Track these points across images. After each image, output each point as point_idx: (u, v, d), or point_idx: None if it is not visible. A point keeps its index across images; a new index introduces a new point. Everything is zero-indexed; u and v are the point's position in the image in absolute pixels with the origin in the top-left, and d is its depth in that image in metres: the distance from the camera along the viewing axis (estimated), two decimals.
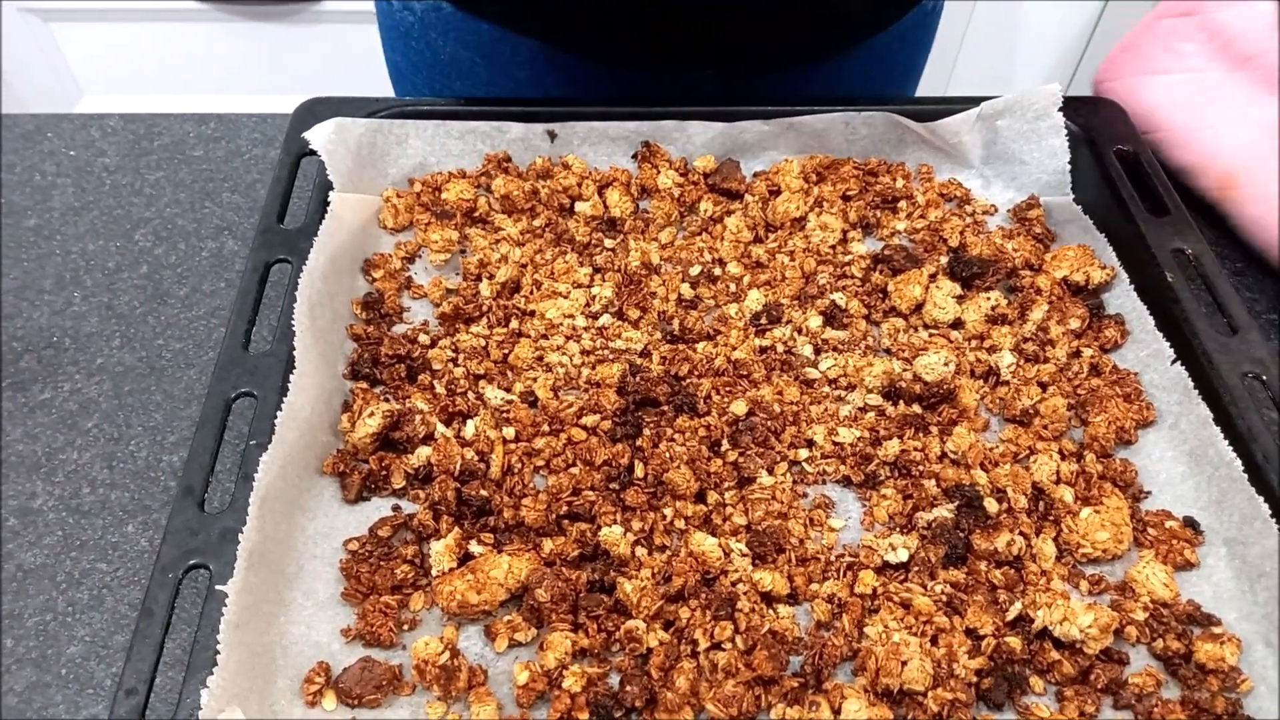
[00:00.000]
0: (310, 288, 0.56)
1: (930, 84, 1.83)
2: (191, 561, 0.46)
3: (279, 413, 0.51)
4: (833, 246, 0.67)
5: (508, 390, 0.58)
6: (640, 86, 0.75)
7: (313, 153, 0.63)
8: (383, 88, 0.84)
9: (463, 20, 0.74)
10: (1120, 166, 0.67)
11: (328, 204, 0.61)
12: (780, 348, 0.61)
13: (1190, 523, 0.52)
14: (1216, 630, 0.48)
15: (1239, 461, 0.51)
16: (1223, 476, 0.51)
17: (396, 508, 0.53)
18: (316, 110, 0.68)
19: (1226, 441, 0.51)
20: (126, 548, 0.56)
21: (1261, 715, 0.45)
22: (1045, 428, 0.56)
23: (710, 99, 0.70)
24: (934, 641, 0.48)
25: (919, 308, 0.63)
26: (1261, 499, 0.49)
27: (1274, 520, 0.48)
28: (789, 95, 0.71)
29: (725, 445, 0.55)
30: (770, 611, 0.49)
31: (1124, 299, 0.62)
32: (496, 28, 0.74)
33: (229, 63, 1.86)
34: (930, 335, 0.62)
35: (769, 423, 0.56)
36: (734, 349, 0.60)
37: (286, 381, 0.52)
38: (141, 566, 0.55)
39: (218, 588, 0.45)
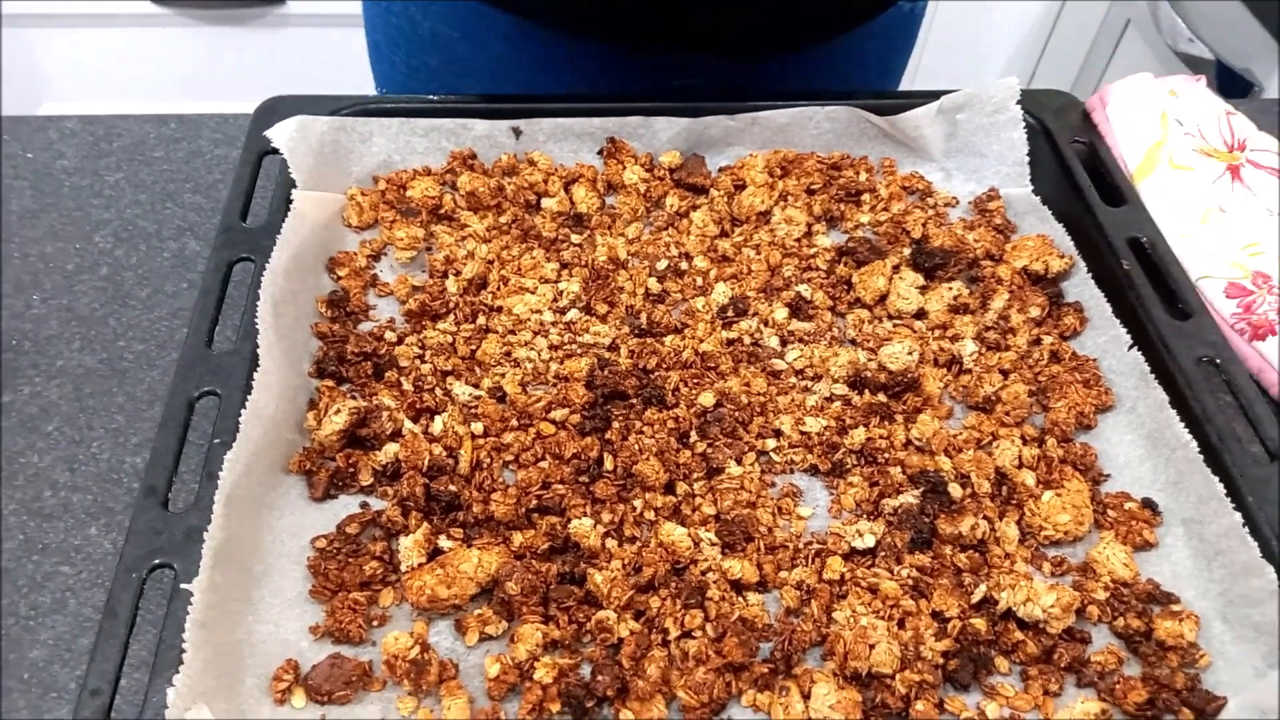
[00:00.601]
0: (273, 285, 0.56)
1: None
2: (155, 561, 0.46)
3: (243, 411, 0.50)
4: (798, 240, 0.67)
5: (475, 386, 0.58)
6: (614, 68, 0.75)
7: (275, 151, 0.63)
8: (346, 91, 0.83)
9: None
10: (1077, 158, 0.68)
11: (290, 202, 0.61)
12: (747, 340, 0.61)
13: (1149, 504, 0.53)
14: (1175, 608, 0.49)
15: (1195, 443, 0.52)
16: (1180, 458, 0.52)
17: (365, 504, 0.53)
18: (278, 108, 0.67)
19: (1183, 424, 0.53)
20: (89, 550, 0.55)
21: (1220, 689, 0.46)
22: (1007, 414, 0.57)
23: (682, 87, 0.71)
24: (901, 625, 0.48)
25: (883, 299, 0.64)
26: (1217, 479, 0.50)
27: (1229, 499, 0.49)
28: (764, 90, 0.72)
29: (694, 437, 0.56)
30: (740, 599, 0.49)
31: (1082, 287, 0.63)
32: (476, 3, 0.73)
33: (192, 69, 1.84)
34: (894, 325, 0.62)
35: (737, 414, 0.56)
36: (701, 342, 0.60)
37: (250, 380, 0.52)
38: (105, 569, 0.55)
39: (183, 586, 0.44)
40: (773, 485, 0.55)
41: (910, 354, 0.58)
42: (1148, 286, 0.60)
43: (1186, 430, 0.52)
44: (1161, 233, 0.64)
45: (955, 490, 0.52)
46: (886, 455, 0.55)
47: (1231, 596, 0.48)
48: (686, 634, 0.48)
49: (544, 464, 0.54)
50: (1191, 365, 0.55)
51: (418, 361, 0.59)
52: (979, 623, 0.48)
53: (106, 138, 0.80)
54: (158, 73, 1.82)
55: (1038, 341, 0.61)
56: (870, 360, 0.59)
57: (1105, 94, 0.75)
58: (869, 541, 0.51)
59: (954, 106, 0.70)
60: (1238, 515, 0.48)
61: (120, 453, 0.60)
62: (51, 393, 0.63)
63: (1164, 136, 0.72)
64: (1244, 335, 0.63)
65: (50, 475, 0.59)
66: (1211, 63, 1.42)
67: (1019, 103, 0.69)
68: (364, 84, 0.88)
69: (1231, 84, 1.38)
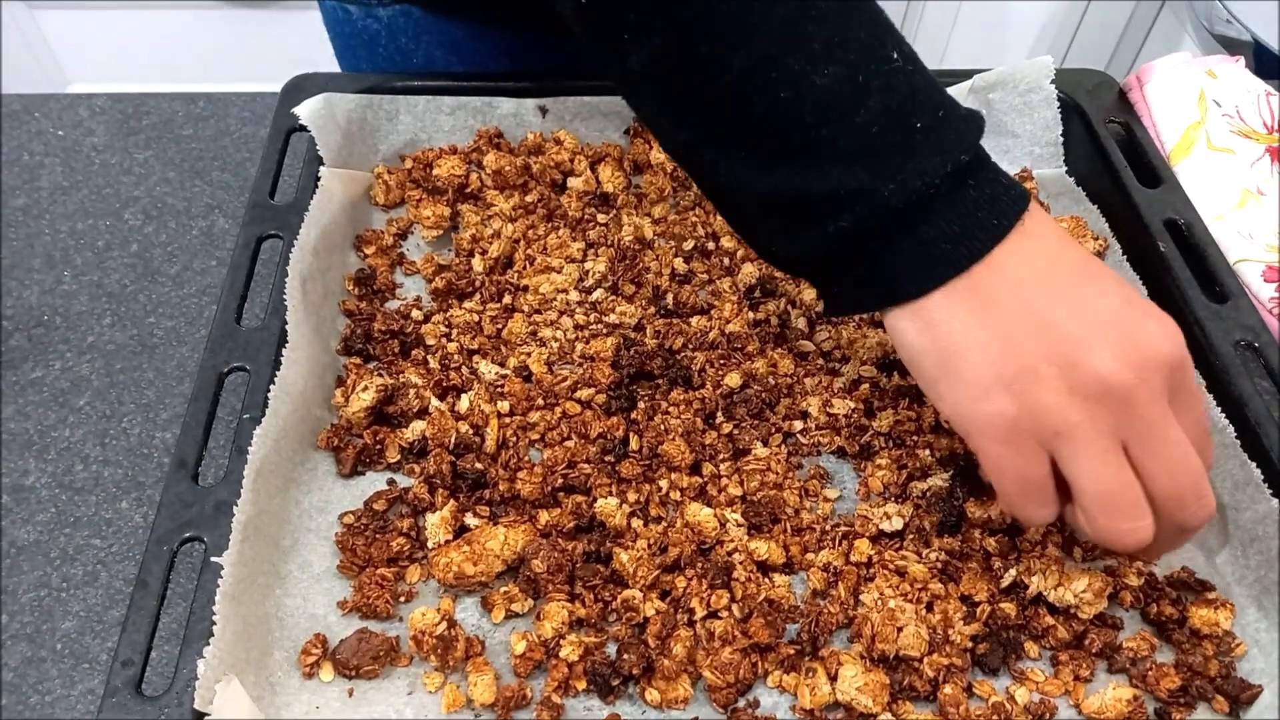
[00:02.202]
0: (302, 262, 0.56)
1: (923, 59, 1.83)
2: (186, 534, 0.46)
3: (272, 387, 0.51)
4: None
5: (502, 365, 0.58)
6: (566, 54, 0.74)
7: (302, 128, 0.63)
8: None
9: (435, 21, 0.73)
10: (1112, 139, 0.67)
11: (318, 179, 0.61)
12: (774, 321, 0.61)
13: None
14: (1210, 595, 0.48)
15: (1231, 427, 0.51)
16: (1215, 442, 0.51)
17: (391, 481, 0.53)
18: (305, 86, 0.67)
19: (1219, 408, 0.52)
20: (120, 524, 0.56)
21: (1254, 676, 0.46)
22: None
23: None
24: (929, 608, 0.48)
25: None
26: (1254, 464, 0.49)
27: (1266, 485, 0.48)
28: None
29: (720, 418, 0.55)
30: (766, 580, 0.49)
31: (1117, 269, 0.62)
32: (472, 26, 0.72)
33: (217, 49, 1.84)
34: None
35: (763, 395, 0.56)
36: (728, 322, 0.60)
37: (279, 356, 0.52)
38: (135, 542, 0.55)
39: (213, 559, 0.45)
40: (799, 467, 0.54)
41: None
42: (1184, 269, 0.59)
43: (1223, 414, 0.51)
44: (1199, 215, 0.62)
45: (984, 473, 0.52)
46: (915, 438, 0.55)
47: (1267, 584, 0.47)
48: (712, 614, 0.48)
49: (570, 443, 0.54)
50: (1229, 349, 0.54)
51: (444, 340, 0.59)
52: (1008, 607, 0.48)
53: (136, 115, 0.80)
54: (186, 51, 1.83)
55: None
56: None
57: (1143, 73, 0.73)
58: (897, 524, 0.51)
59: (986, 86, 0.69)
60: (1275, 501, 0.48)
61: (150, 428, 0.61)
62: (83, 368, 0.63)
63: (1202, 117, 0.71)
64: None
65: (81, 450, 0.59)
66: (1249, 44, 1.39)
67: (1053, 82, 0.68)
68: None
69: (1270, 65, 1.35)
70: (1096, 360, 0.39)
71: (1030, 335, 0.40)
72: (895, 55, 0.40)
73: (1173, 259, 0.59)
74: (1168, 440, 0.40)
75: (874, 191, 0.39)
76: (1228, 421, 0.51)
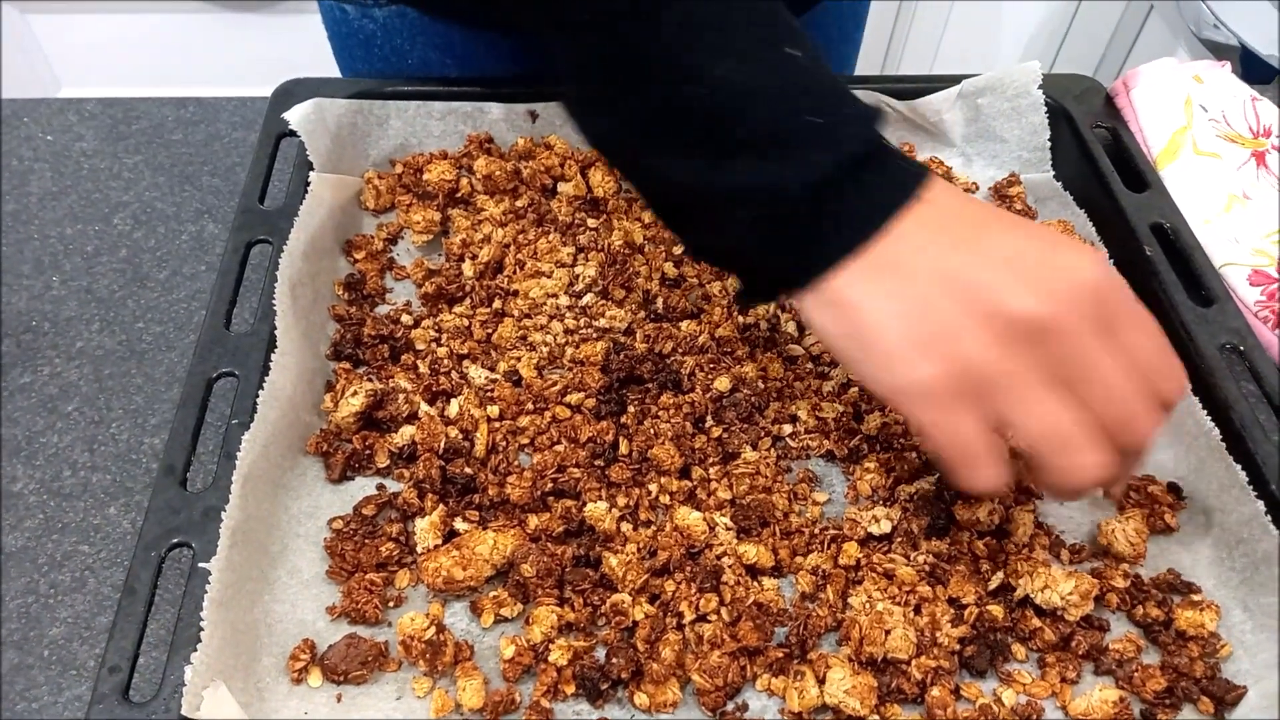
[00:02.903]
0: (291, 267, 0.56)
1: (914, 64, 1.83)
2: (174, 540, 0.46)
3: (261, 392, 0.50)
4: None
5: (491, 369, 0.58)
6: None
7: (292, 133, 0.63)
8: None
9: (429, 23, 0.73)
10: (1099, 143, 0.68)
11: (308, 184, 0.61)
12: (763, 325, 0.61)
13: (1173, 488, 0.52)
14: (1196, 597, 0.49)
15: (1217, 431, 0.51)
16: (1201, 446, 0.52)
17: (381, 486, 0.53)
18: (295, 91, 0.67)
19: (1205, 411, 0.52)
20: (109, 530, 0.56)
21: (1239, 678, 0.46)
22: None
23: None
24: (917, 611, 0.48)
25: None
26: (1239, 467, 0.49)
27: (1251, 488, 0.49)
28: None
29: (709, 421, 0.55)
30: (755, 584, 0.49)
31: None
32: (466, 28, 0.72)
33: (210, 53, 1.84)
34: None
35: (753, 399, 0.56)
36: (717, 327, 0.60)
37: (268, 362, 0.52)
38: (124, 548, 0.55)
39: (201, 565, 0.44)
40: (788, 470, 0.55)
41: None
42: (1170, 273, 0.59)
43: (1209, 418, 0.52)
44: (1184, 219, 0.63)
45: None
46: (903, 440, 0.55)
47: (1252, 585, 0.48)
48: (701, 618, 0.48)
49: (559, 447, 0.54)
50: (1214, 352, 0.55)
51: (434, 344, 0.59)
52: (996, 609, 0.48)
53: (125, 120, 0.80)
54: (180, 55, 1.83)
55: None
56: None
57: (1130, 78, 0.74)
58: (885, 527, 0.51)
59: (975, 91, 0.69)
60: (1260, 503, 0.48)
61: (139, 433, 0.60)
62: (71, 374, 0.63)
63: (1188, 122, 0.71)
64: (1268, 323, 0.62)
65: (70, 455, 0.59)
66: (1236, 49, 1.40)
67: (1040, 87, 0.68)
68: None
69: (1257, 70, 1.36)
70: (1013, 301, 0.38)
71: (942, 294, 0.39)
72: (795, 52, 0.41)
73: (1159, 263, 0.60)
74: (1101, 366, 0.39)
75: (774, 184, 0.40)
76: (1213, 424, 0.51)
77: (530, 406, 0.56)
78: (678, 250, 0.64)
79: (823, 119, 0.40)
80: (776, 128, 0.40)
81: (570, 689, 0.46)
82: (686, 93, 0.40)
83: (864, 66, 0.88)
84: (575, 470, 0.53)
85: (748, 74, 0.40)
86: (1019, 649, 0.47)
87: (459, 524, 0.51)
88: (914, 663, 0.46)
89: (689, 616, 0.47)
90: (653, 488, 0.52)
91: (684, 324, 0.61)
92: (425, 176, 0.67)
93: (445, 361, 0.58)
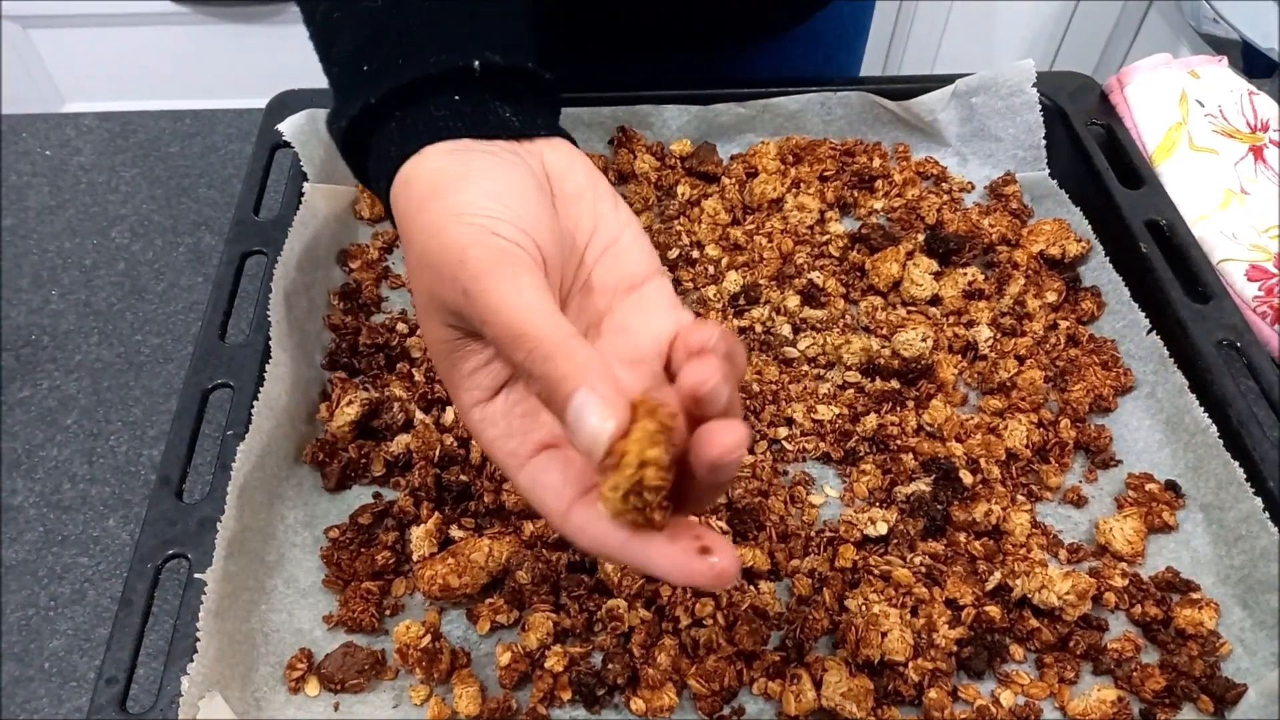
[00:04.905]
0: (285, 278, 0.56)
1: (914, 65, 1.83)
2: (170, 551, 0.46)
3: (256, 403, 0.51)
4: (810, 227, 0.67)
5: None
6: (588, 74, 0.75)
7: (287, 145, 0.63)
8: None
9: None
10: (1094, 141, 0.67)
11: (302, 195, 0.61)
12: (759, 328, 0.61)
13: (1171, 485, 0.52)
14: (1195, 596, 0.48)
15: (1214, 427, 0.51)
16: (1199, 443, 0.52)
17: (377, 495, 0.53)
18: (290, 102, 0.68)
19: (1202, 408, 0.52)
20: (107, 542, 0.56)
21: (1239, 676, 0.45)
22: (1023, 399, 0.56)
23: (649, 85, 0.70)
24: (914, 612, 0.48)
25: (896, 285, 0.63)
26: (1237, 464, 0.49)
27: (1249, 484, 0.48)
28: (777, 76, 0.71)
29: None
30: (751, 588, 0.49)
31: (1100, 271, 0.62)
32: None
33: (210, 66, 1.85)
34: (908, 312, 0.62)
35: (749, 402, 0.56)
36: None
37: (263, 373, 0.52)
38: (123, 560, 0.55)
39: (197, 576, 0.45)
40: (785, 473, 0.55)
41: (924, 341, 0.57)
42: (1166, 270, 0.59)
43: (1206, 414, 0.51)
44: (1180, 215, 0.63)
45: (966, 476, 0.52)
46: (899, 442, 0.55)
47: (1251, 583, 0.47)
48: (697, 622, 0.48)
49: None
50: (1211, 349, 0.54)
51: (429, 353, 0.59)
52: (993, 610, 0.48)
53: (123, 134, 0.81)
54: (173, 69, 1.84)
55: (1054, 326, 0.60)
56: (884, 347, 0.58)
57: (1124, 75, 0.73)
58: (881, 529, 0.51)
59: (969, 90, 0.69)
60: (1258, 500, 0.48)
61: (138, 445, 0.61)
62: (70, 387, 0.64)
63: (1184, 118, 0.71)
64: (1266, 319, 0.62)
65: (69, 468, 0.59)
66: (1237, 43, 1.39)
67: (1035, 85, 0.68)
68: None
69: (1259, 64, 1.35)
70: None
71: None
72: (379, 2, 0.42)
73: (1155, 260, 0.59)
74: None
75: (338, 112, 0.43)
76: (1210, 421, 0.51)
77: None
78: (672, 254, 0.64)
79: (374, 67, 0.42)
80: (345, 68, 0.43)
81: (567, 695, 0.46)
82: (310, 28, 0.46)
83: (864, 68, 0.87)
84: None
85: (331, 16, 0.44)
86: (1017, 649, 0.47)
87: (454, 531, 0.51)
88: (911, 665, 0.46)
89: (685, 621, 0.47)
90: None
91: None
92: None
93: None
